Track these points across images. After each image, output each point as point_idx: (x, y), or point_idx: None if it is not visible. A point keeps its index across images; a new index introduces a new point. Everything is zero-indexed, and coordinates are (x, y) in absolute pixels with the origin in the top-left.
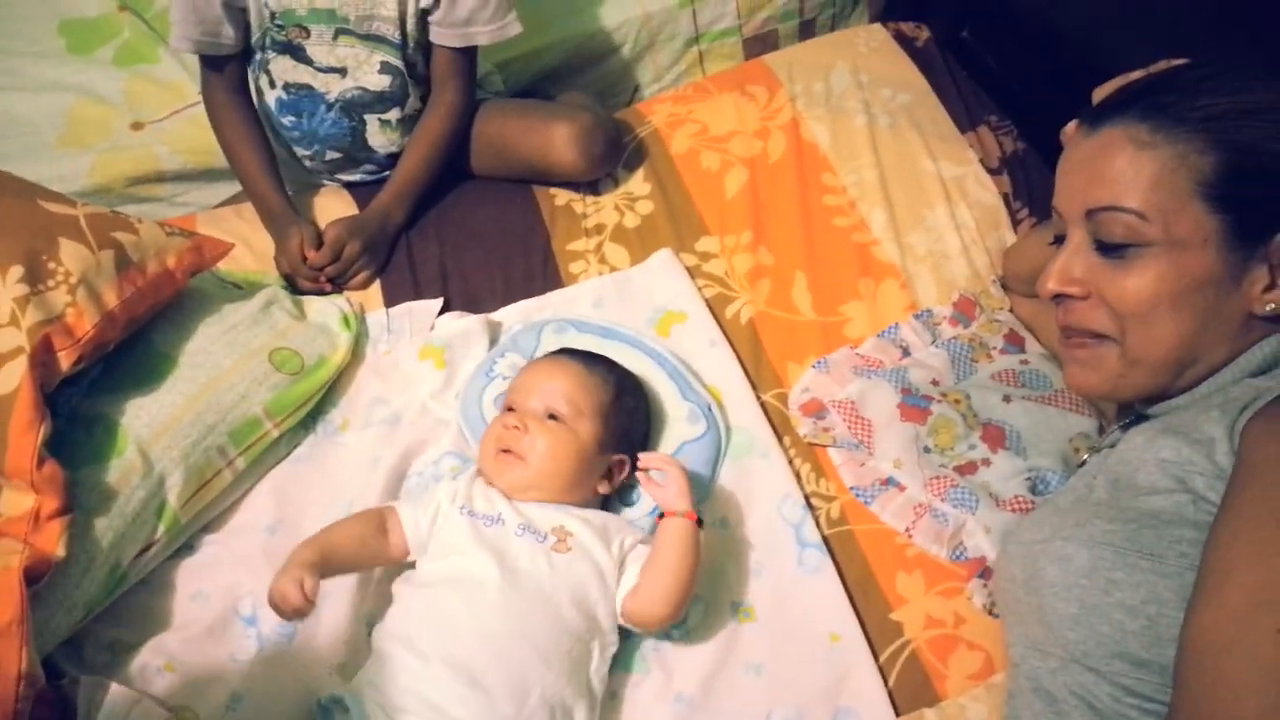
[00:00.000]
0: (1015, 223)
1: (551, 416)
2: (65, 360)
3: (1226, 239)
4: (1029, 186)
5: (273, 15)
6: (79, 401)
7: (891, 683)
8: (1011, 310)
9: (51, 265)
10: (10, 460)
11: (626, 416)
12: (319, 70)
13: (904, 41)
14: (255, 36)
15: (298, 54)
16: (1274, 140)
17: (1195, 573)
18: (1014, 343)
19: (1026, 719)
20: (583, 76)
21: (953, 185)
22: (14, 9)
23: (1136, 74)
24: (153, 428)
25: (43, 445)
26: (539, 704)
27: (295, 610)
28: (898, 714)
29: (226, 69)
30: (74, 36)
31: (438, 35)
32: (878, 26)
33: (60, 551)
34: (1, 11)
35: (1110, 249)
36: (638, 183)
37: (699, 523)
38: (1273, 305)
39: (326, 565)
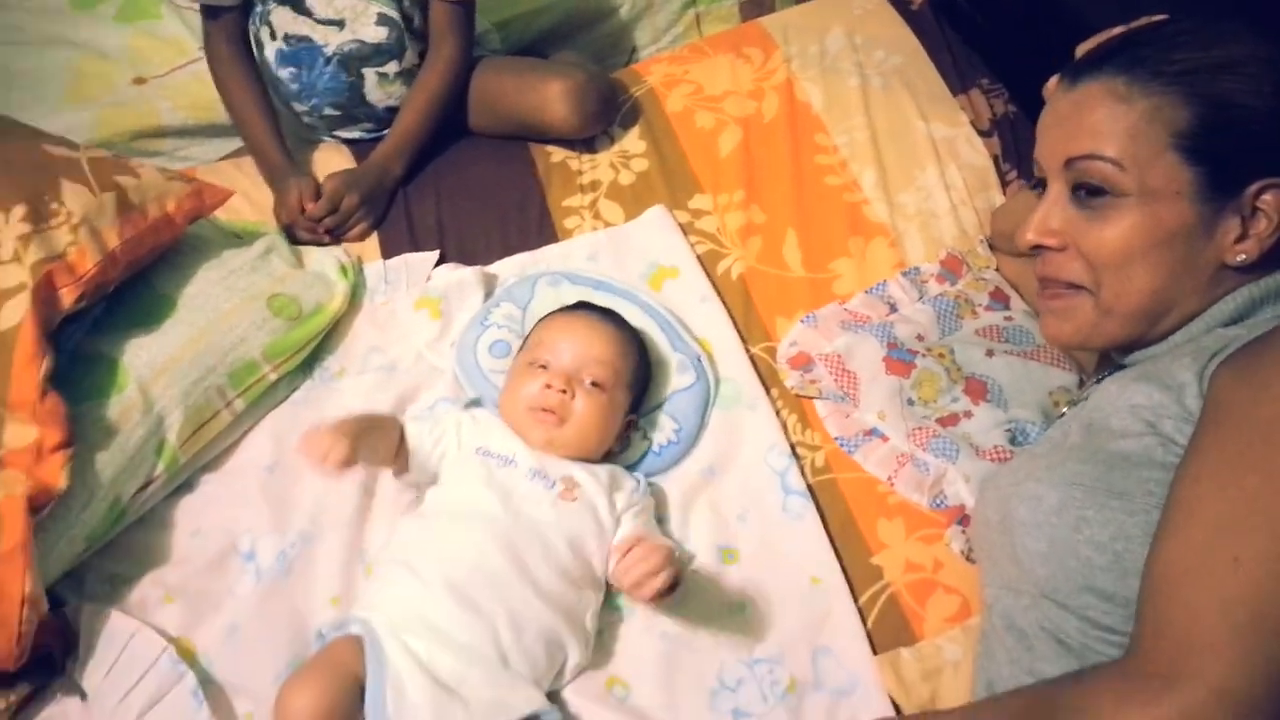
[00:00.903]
0: (1004, 184)
1: (595, 384)
2: (67, 297)
3: (1200, 190)
4: (1019, 149)
5: None
6: (81, 340)
7: (870, 624)
8: (998, 269)
9: (54, 205)
10: (13, 393)
11: (644, 379)
12: (318, 22)
13: (899, 5)
14: None
15: (297, 5)
16: (1247, 95)
17: (1160, 511)
18: (999, 300)
19: (998, 656)
20: (580, 37)
21: (943, 146)
22: None
23: (1117, 30)
24: (153, 367)
25: (45, 379)
26: (535, 637)
27: (328, 457)
28: (875, 653)
29: (227, 20)
30: None
31: None
32: None
33: (62, 483)
34: None
35: (1087, 200)
36: (633, 141)
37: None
38: (1244, 256)
39: (359, 439)
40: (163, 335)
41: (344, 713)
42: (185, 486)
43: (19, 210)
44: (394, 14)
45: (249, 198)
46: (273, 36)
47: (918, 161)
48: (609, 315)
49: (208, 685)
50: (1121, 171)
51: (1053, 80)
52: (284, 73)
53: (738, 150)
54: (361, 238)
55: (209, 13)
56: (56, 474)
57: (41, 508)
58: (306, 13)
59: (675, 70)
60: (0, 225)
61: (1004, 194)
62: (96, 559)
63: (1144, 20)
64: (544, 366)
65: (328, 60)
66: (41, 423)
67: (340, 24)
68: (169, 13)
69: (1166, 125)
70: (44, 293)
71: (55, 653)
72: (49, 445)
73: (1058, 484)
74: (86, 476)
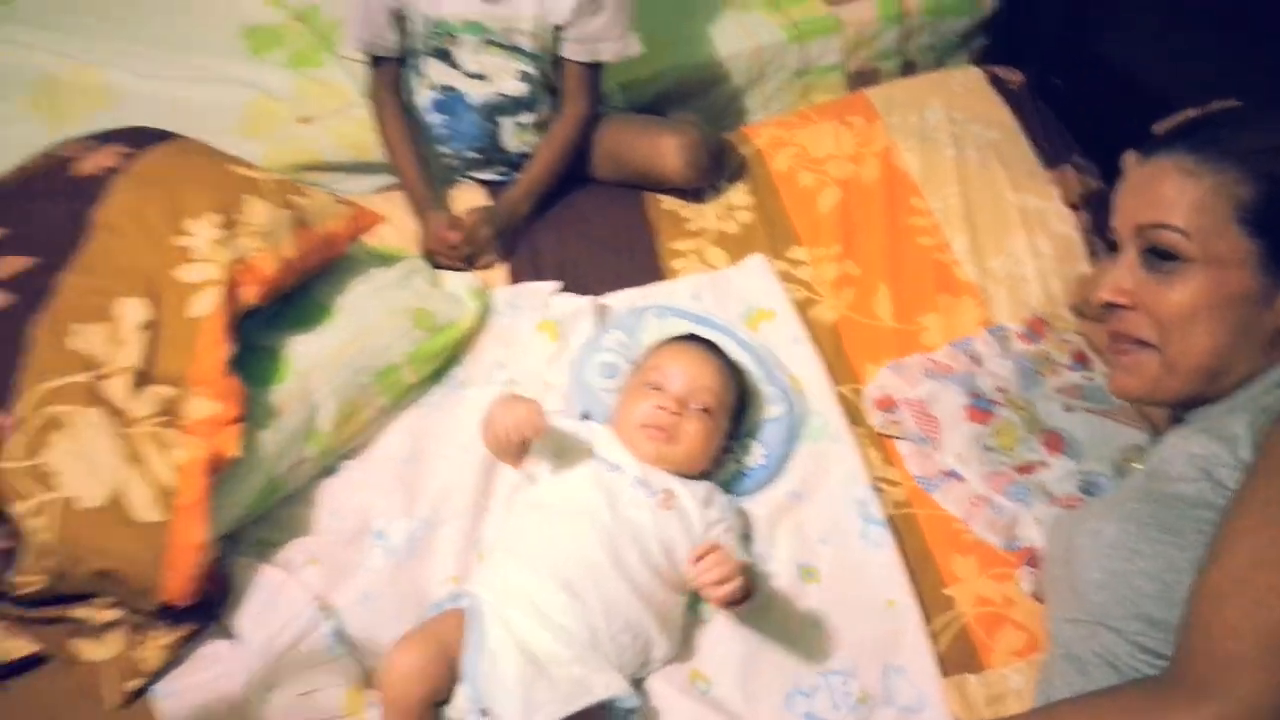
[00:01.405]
0: (1092, 255)
1: (705, 410)
2: (250, 295)
3: (1261, 261)
4: (1107, 223)
5: (430, 23)
6: (254, 334)
7: (941, 649)
8: (1080, 333)
9: (242, 216)
10: (199, 372)
11: (743, 408)
12: (465, 75)
13: (997, 84)
14: (414, 41)
15: (448, 59)
16: None
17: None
18: (1080, 361)
19: (1055, 681)
20: (695, 100)
21: (1033, 217)
22: (203, 16)
23: (1192, 111)
24: (311, 363)
25: (227, 362)
26: (624, 628)
27: (524, 426)
28: (944, 676)
29: (388, 68)
30: (254, 40)
31: (569, 50)
32: (974, 69)
33: (236, 451)
34: (192, 18)
35: (1156, 264)
36: (740, 195)
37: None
38: None
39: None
40: (321, 337)
41: (440, 675)
42: (329, 470)
43: (214, 218)
44: (533, 71)
45: (396, 227)
46: (426, 85)
47: (1008, 229)
48: (715, 348)
49: (340, 637)
50: (1188, 240)
51: (1129, 154)
52: (433, 117)
53: (836, 208)
54: (491, 266)
55: (374, 62)
56: (232, 443)
57: (216, 471)
58: (456, 66)
59: (782, 134)
60: (199, 229)
61: (1091, 265)
62: (249, 527)
63: (1218, 104)
64: (658, 388)
65: (471, 109)
66: (222, 398)
67: (485, 78)
68: (332, 62)
69: (1231, 200)
70: (232, 289)
71: (214, 598)
72: (227, 418)
73: (1115, 519)
74: (251, 452)
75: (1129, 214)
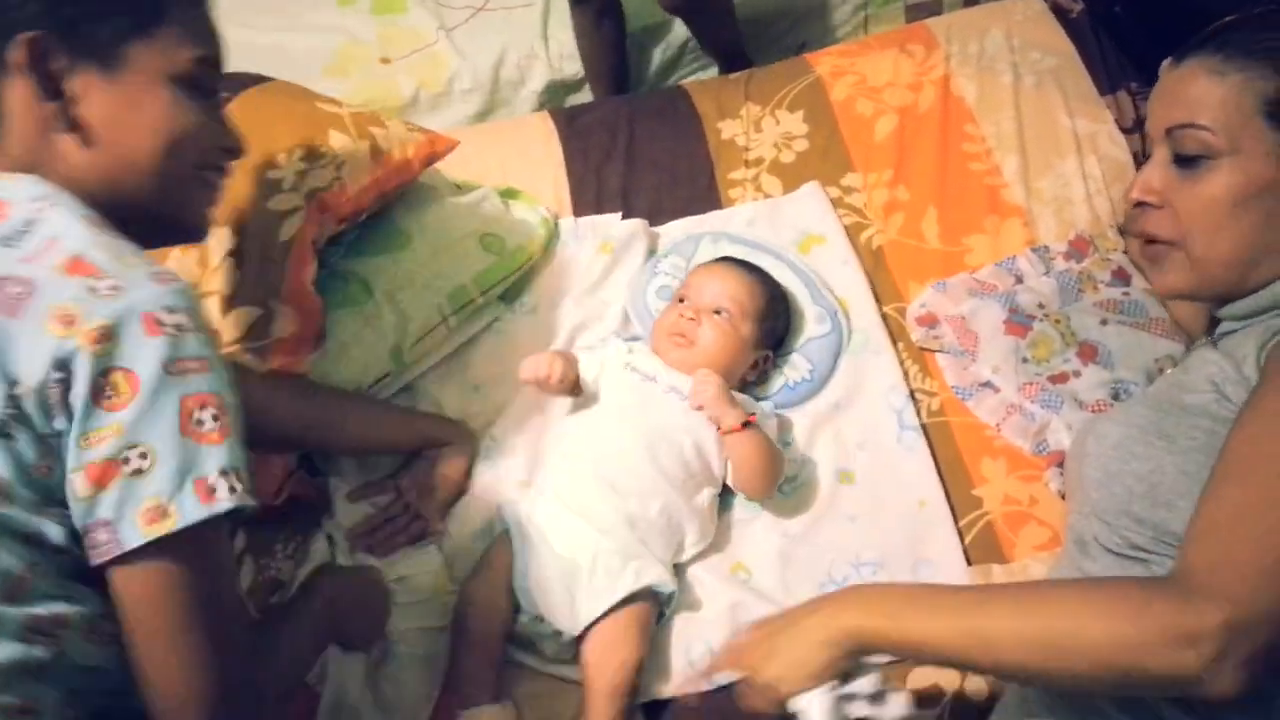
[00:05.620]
0: None
1: (718, 312)
2: (330, 221)
3: None
4: None
5: None
6: (338, 260)
7: (967, 543)
8: (1125, 251)
9: (324, 149)
10: (289, 288)
11: (774, 319)
12: None
13: (1059, 13)
14: None
15: None
16: None
17: (1200, 454)
18: (1120, 278)
19: (1064, 561)
20: (758, 32)
21: (1086, 140)
22: None
23: (1229, 19)
24: (393, 283)
25: (311, 282)
26: (659, 513)
27: (548, 377)
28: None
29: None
30: None
31: None
32: None
33: (307, 369)
34: None
35: (1185, 163)
36: (796, 123)
37: (750, 421)
38: None
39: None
40: (399, 259)
41: (502, 602)
42: (409, 388)
43: (298, 151)
44: None
45: (468, 160)
46: None
47: (1059, 153)
48: (746, 264)
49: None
50: (1214, 136)
51: (1165, 62)
52: None
53: (891, 135)
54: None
55: None
56: (303, 362)
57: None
58: None
59: (842, 62)
60: (285, 162)
61: None
62: None
63: (1255, 11)
64: (682, 300)
65: None
66: (305, 316)
67: None
68: (414, 5)
69: (1256, 95)
70: (314, 214)
71: (314, 505)
72: (307, 334)
73: (1120, 423)
74: (339, 366)
75: (1159, 117)
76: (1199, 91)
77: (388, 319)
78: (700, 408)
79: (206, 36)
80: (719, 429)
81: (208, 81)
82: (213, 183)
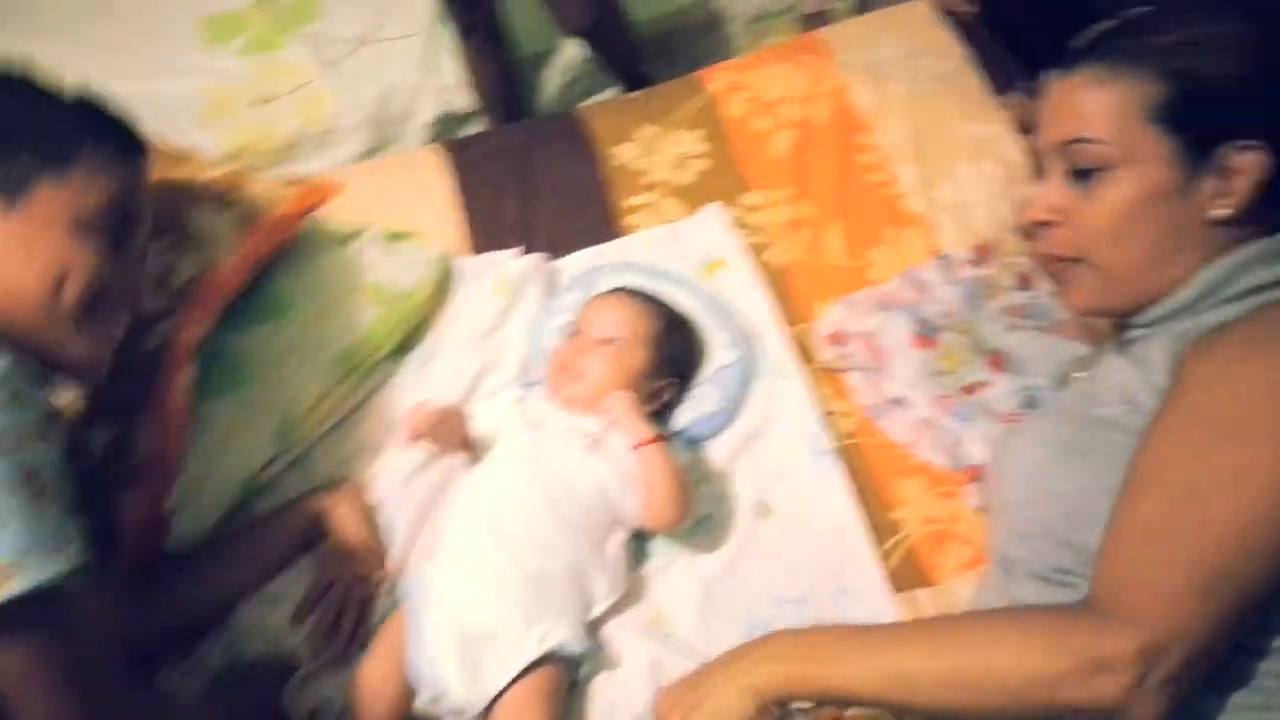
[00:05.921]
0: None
1: (609, 342)
2: (208, 315)
3: (1179, 156)
4: None
5: None
6: (210, 338)
7: (890, 568)
8: (1028, 256)
9: (189, 229)
10: (155, 402)
11: (672, 345)
12: None
13: (949, 15)
14: None
15: None
16: (1213, 66)
17: (1118, 470)
18: (1024, 282)
19: (990, 585)
20: (648, 50)
21: (983, 144)
22: (165, 10)
23: (1107, 23)
24: (272, 359)
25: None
26: (564, 566)
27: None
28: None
29: None
30: (212, 30)
31: None
32: (925, 4)
33: (171, 508)
34: (152, 14)
35: (1081, 176)
36: (697, 142)
37: (662, 437)
38: (1225, 211)
39: (437, 429)
40: (279, 329)
41: (399, 680)
42: (296, 462)
43: (160, 243)
44: None
45: (354, 202)
46: None
47: (956, 158)
48: (639, 293)
49: None
50: (1108, 147)
51: (1051, 74)
52: None
53: (789, 151)
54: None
55: None
56: (165, 499)
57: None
58: None
59: (735, 77)
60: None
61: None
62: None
63: (1132, 12)
64: (578, 334)
65: None
66: (171, 434)
67: None
68: (293, 43)
69: (1143, 101)
70: (188, 312)
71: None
72: (170, 459)
73: (1035, 443)
74: (219, 461)
75: (1051, 132)
76: (1088, 103)
77: (270, 399)
78: (614, 424)
79: (123, 182)
80: (631, 444)
81: (117, 227)
82: (106, 327)
